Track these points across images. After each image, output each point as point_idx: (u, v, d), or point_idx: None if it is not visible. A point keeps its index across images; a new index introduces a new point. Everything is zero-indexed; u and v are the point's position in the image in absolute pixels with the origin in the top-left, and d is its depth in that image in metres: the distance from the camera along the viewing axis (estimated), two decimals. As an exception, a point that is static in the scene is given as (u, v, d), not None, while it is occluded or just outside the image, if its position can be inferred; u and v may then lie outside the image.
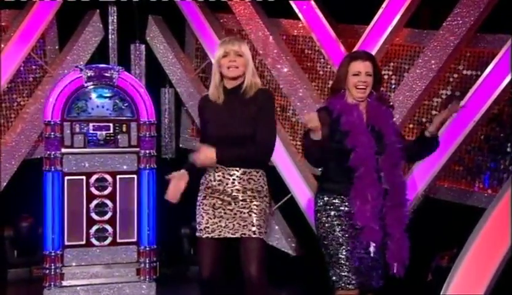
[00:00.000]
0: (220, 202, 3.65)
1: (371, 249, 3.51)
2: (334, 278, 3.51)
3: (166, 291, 4.63)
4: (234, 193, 3.63)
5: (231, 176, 3.64)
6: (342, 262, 3.48)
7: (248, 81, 3.64)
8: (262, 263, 3.62)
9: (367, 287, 3.57)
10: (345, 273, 3.49)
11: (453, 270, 2.91)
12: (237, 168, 3.63)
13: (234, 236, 3.63)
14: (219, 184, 3.66)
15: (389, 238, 3.53)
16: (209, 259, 3.65)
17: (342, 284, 3.48)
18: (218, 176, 3.66)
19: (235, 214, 3.63)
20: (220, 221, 3.64)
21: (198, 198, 3.73)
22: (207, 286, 3.69)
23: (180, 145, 6.07)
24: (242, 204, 3.63)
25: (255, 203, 3.65)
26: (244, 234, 3.60)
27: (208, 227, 3.65)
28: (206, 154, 3.56)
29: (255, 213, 3.63)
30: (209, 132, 3.68)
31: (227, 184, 3.64)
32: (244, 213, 3.63)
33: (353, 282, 3.48)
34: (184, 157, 5.86)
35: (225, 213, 3.64)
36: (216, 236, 3.64)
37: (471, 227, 3.12)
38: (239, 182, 3.64)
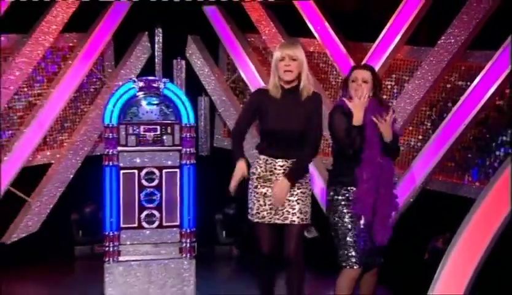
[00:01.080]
0: (270, 190, 3.57)
1: (362, 221, 3.49)
2: (342, 258, 3.50)
3: (203, 266, 4.59)
4: (270, 178, 3.57)
5: (280, 166, 3.58)
6: (350, 244, 3.48)
7: (303, 83, 3.53)
8: (300, 245, 3.61)
9: (370, 265, 3.58)
10: (352, 254, 3.48)
11: (447, 253, 2.86)
12: (285, 159, 3.56)
13: (283, 222, 3.57)
14: (270, 174, 3.59)
15: (377, 215, 3.50)
16: (265, 238, 3.63)
17: (350, 263, 3.49)
18: (268, 166, 3.59)
19: (284, 201, 3.56)
20: (270, 209, 3.58)
21: (250, 186, 3.65)
22: (265, 260, 3.66)
23: (214, 145, 6.05)
24: (290, 191, 3.56)
25: (301, 190, 3.59)
26: (293, 221, 3.55)
27: (259, 213, 3.60)
28: (282, 189, 3.48)
29: (301, 200, 3.58)
30: (265, 124, 3.57)
31: (278, 174, 3.57)
32: (292, 201, 3.56)
33: (359, 262, 3.48)
34: (217, 154, 5.94)
35: (268, 201, 3.58)
36: (266, 222, 3.59)
37: (462, 214, 3.07)
38: (277, 165, 3.57)
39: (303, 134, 3.53)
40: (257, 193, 3.62)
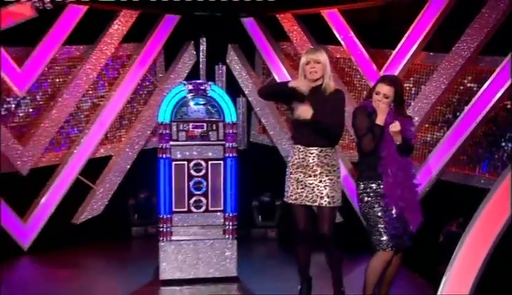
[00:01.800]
0: (302, 176, 3.65)
1: (394, 211, 3.49)
2: (375, 242, 3.50)
3: (242, 246, 4.59)
4: (314, 167, 3.63)
5: (311, 153, 3.65)
6: (381, 230, 3.48)
7: (325, 82, 3.62)
8: (332, 225, 3.67)
9: (399, 248, 3.57)
10: (384, 238, 3.48)
11: (462, 237, 2.79)
12: (316, 147, 3.63)
13: (312, 204, 3.67)
14: (302, 161, 3.66)
15: (407, 204, 3.50)
16: (299, 216, 3.70)
17: (383, 247, 3.49)
18: (301, 154, 3.66)
19: (313, 187, 3.64)
20: (302, 192, 3.66)
21: (287, 172, 3.74)
22: (301, 235, 3.73)
23: (250, 140, 6.07)
24: (319, 178, 3.62)
25: (329, 177, 3.64)
26: (321, 204, 3.64)
27: (292, 196, 3.69)
28: (306, 109, 3.55)
29: (329, 186, 3.63)
30: (295, 115, 3.65)
31: (308, 161, 3.65)
32: (320, 187, 3.63)
33: (390, 245, 3.49)
34: (253, 148, 5.97)
35: (306, 186, 3.65)
36: (298, 204, 3.68)
37: (473, 202, 3.01)
38: (318, 158, 3.63)
39: (329, 124, 3.60)
40: (292, 179, 3.71)
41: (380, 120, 3.48)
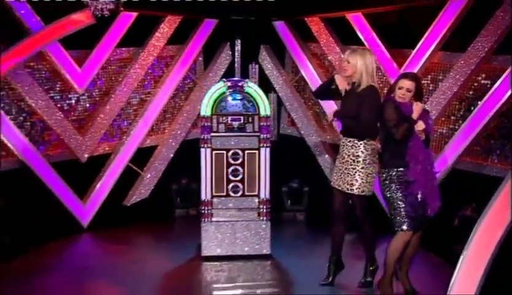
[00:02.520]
0: (339, 164, 3.76)
1: (419, 195, 3.52)
2: (398, 223, 3.52)
3: (274, 227, 4.62)
4: (346, 157, 3.71)
5: (345, 144, 3.72)
6: (403, 214, 3.51)
7: (358, 80, 3.67)
8: (364, 209, 3.72)
9: (418, 229, 3.60)
10: (406, 221, 3.51)
11: (478, 223, 2.79)
12: (349, 139, 3.69)
13: (343, 190, 3.73)
14: (340, 151, 3.77)
15: (429, 189, 3.53)
16: (334, 198, 3.77)
17: (404, 228, 3.51)
18: (341, 142, 3.78)
19: (342, 173, 3.72)
20: (336, 177, 3.76)
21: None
22: (336, 215, 3.80)
23: (280, 132, 6.07)
24: (349, 167, 3.68)
25: (361, 166, 3.67)
26: (353, 190, 3.69)
27: (331, 179, 3.82)
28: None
29: (358, 175, 3.67)
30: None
31: (343, 150, 3.73)
32: (349, 176, 3.68)
33: (411, 227, 3.52)
34: (283, 139, 6.01)
35: (342, 173, 3.72)
36: (333, 186, 3.78)
37: (485, 189, 3.06)
38: (351, 148, 3.68)
39: (356, 117, 3.63)
40: (334, 165, 3.86)
41: (415, 115, 3.52)
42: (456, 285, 2.70)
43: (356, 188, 3.68)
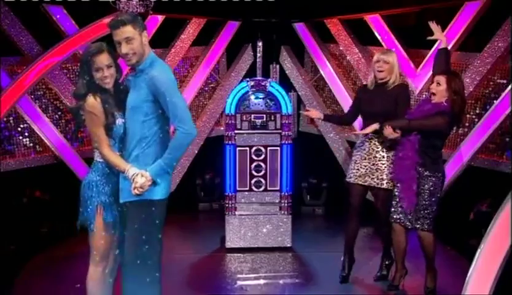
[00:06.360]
0: (364, 160, 3.73)
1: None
2: (394, 216, 3.61)
3: (294, 221, 4.66)
4: (373, 153, 3.71)
5: (370, 139, 3.72)
6: (400, 209, 3.59)
7: (392, 79, 3.67)
8: (386, 205, 3.70)
9: (413, 226, 3.60)
10: (399, 216, 3.59)
11: (494, 219, 2.75)
12: (373, 133, 3.68)
13: (369, 185, 3.73)
14: (361, 145, 3.76)
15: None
16: (353, 194, 3.75)
17: (398, 221, 3.60)
18: (363, 138, 3.76)
19: (369, 169, 3.70)
20: (359, 174, 3.74)
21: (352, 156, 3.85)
22: (353, 210, 3.80)
23: (300, 129, 6.10)
24: (378, 162, 3.68)
25: (390, 161, 3.67)
26: (382, 184, 3.71)
27: (350, 175, 3.78)
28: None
29: (387, 169, 3.67)
30: (361, 107, 3.75)
31: (370, 146, 3.72)
32: (378, 170, 3.69)
33: (407, 221, 3.58)
34: (302, 136, 6.03)
35: (368, 169, 3.70)
36: (352, 182, 3.75)
37: (500, 185, 3.11)
38: (380, 144, 3.69)
39: (388, 114, 3.62)
40: (351, 160, 3.83)
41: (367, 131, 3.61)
42: (473, 278, 2.72)
43: (386, 183, 3.70)
